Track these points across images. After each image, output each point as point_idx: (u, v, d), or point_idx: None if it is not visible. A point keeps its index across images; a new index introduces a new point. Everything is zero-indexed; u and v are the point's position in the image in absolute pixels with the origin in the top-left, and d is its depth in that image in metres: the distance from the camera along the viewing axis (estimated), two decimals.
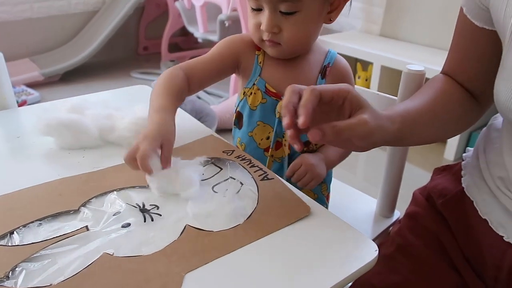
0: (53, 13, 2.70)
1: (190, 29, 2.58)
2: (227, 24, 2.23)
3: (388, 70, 2.07)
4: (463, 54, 0.60)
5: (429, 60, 1.86)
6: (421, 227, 0.63)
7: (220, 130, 1.94)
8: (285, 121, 0.44)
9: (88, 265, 0.40)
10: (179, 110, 0.79)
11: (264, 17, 0.61)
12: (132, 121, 0.63)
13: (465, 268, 0.57)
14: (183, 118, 0.76)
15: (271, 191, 0.53)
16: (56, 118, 0.62)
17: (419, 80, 0.73)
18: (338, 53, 0.72)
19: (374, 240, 0.80)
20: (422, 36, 2.20)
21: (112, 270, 0.40)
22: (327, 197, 0.79)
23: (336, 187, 0.73)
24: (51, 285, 0.38)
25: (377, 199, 0.87)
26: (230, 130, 2.20)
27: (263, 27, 0.62)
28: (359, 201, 0.90)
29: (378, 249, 0.45)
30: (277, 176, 0.56)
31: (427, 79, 0.75)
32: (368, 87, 2.18)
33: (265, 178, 0.55)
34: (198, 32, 2.49)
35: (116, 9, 2.73)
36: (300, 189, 0.57)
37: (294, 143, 0.46)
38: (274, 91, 0.68)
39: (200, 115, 1.82)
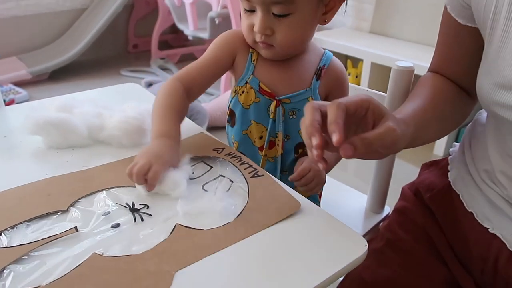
0: (41, 10, 2.66)
1: (180, 26, 2.57)
2: (217, 22, 2.22)
3: (378, 67, 2.08)
4: (449, 51, 0.62)
5: (418, 57, 1.87)
6: (410, 222, 0.64)
7: (211, 128, 1.93)
8: (315, 141, 0.43)
9: (78, 266, 0.40)
10: None
11: (257, 19, 0.60)
12: (122, 120, 0.63)
13: (453, 262, 0.58)
14: None
15: (261, 188, 0.53)
16: (44, 117, 0.62)
17: (408, 76, 0.73)
18: (329, 51, 0.72)
19: (364, 235, 0.81)
20: (411, 33, 2.21)
21: (102, 270, 0.40)
22: (320, 195, 0.79)
23: (327, 183, 0.73)
24: (39, 286, 0.38)
25: (367, 195, 0.87)
26: (222, 127, 2.18)
27: (255, 29, 0.61)
28: (349, 197, 0.91)
29: (367, 244, 0.45)
30: (267, 172, 0.56)
31: (416, 76, 0.76)
32: (359, 84, 2.19)
33: (255, 175, 0.55)
34: (188, 29, 2.48)
35: (105, 6, 2.70)
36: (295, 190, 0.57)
37: (320, 162, 0.44)
38: (269, 90, 0.67)
39: (191, 113, 1.82)
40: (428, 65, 0.66)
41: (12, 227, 0.45)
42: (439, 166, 0.67)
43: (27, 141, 0.65)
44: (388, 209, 0.87)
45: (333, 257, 0.44)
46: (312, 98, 0.68)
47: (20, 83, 2.37)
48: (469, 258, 0.57)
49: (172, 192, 0.51)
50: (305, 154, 0.72)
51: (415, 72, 0.74)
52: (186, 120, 0.74)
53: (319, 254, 0.44)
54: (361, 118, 0.47)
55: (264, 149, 0.70)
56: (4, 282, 0.38)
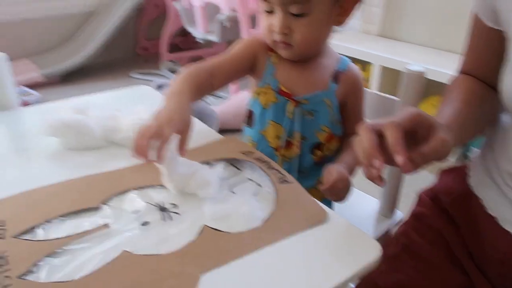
0: (52, 13, 2.70)
1: (190, 29, 2.58)
2: (226, 24, 2.23)
3: (387, 70, 2.08)
4: (479, 53, 0.63)
5: (428, 60, 1.86)
6: (426, 226, 0.63)
7: (221, 131, 1.94)
8: (377, 163, 0.44)
9: (108, 262, 0.41)
10: None
11: (276, 19, 0.63)
12: (136, 122, 0.64)
13: (471, 267, 0.58)
14: None
15: (289, 195, 0.53)
16: (60, 119, 0.63)
17: (419, 80, 0.73)
18: (339, 54, 0.73)
19: (376, 240, 0.80)
20: (421, 36, 2.20)
21: (130, 268, 0.41)
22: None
23: None
24: (72, 280, 0.39)
25: (378, 199, 0.87)
26: (231, 130, 2.19)
27: (275, 28, 0.64)
28: (361, 201, 0.91)
29: (381, 249, 0.45)
30: (296, 180, 0.56)
31: (426, 79, 0.76)
32: (367, 87, 2.18)
33: (284, 181, 0.55)
34: (198, 32, 2.49)
35: (115, 9, 2.73)
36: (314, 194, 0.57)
37: (378, 181, 0.45)
38: (287, 91, 0.69)
39: (201, 115, 1.83)
40: (439, 69, 0.67)
41: (49, 221, 0.47)
42: (459, 172, 0.67)
43: (42, 142, 0.66)
44: (399, 214, 0.87)
45: (347, 261, 0.44)
46: (329, 100, 0.69)
47: (33, 85, 2.40)
48: (488, 263, 0.57)
49: (201, 191, 0.51)
50: (323, 156, 0.73)
51: (426, 76, 0.74)
52: (198, 122, 0.75)
53: (333, 258, 0.44)
54: (413, 131, 0.47)
55: (281, 149, 0.71)
56: (40, 273, 0.40)
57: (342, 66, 0.71)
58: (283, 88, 0.69)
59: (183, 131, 0.55)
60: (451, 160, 1.85)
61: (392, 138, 0.43)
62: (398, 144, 0.43)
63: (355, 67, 0.73)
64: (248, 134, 0.75)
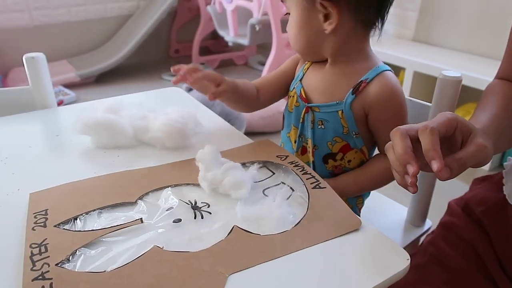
0: (90, 16, 2.80)
1: (221, 32, 2.61)
2: (257, 28, 2.24)
3: (420, 76, 2.02)
4: None
5: (465, 66, 1.81)
6: (456, 236, 0.61)
7: (248, 133, 1.95)
8: (411, 169, 0.42)
9: (139, 256, 0.42)
10: (209, 112, 0.80)
11: None
12: (165, 123, 0.65)
13: (503, 279, 0.56)
14: (213, 121, 0.77)
15: (322, 200, 0.52)
16: (94, 118, 0.65)
17: (455, 86, 0.71)
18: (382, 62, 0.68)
19: (403, 249, 0.78)
20: (457, 42, 2.14)
21: (161, 263, 0.41)
22: (360, 209, 0.78)
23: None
24: (105, 271, 0.40)
25: (407, 207, 0.85)
26: (259, 133, 2.19)
27: None
28: (389, 209, 0.89)
29: (410, 258, 0.44)
30: (329, 185, 0.55)
31: (463, 86, 0.73)
32: None
33: (317, 187, 0.54)
34: (229, 35, 2.52)
35: (149, 13, 2.80)
36: None
37: (413, 188, 0.43)
38: (305, 96, 0.69)
39: (229, 117, 1.84)
40: (474, 75, 0.65)
41: (87, 213, 0.49)
42: (493, 181, 0.64)
43: (77, 140, 0.68)
44: (429, 223, 0.84)
45: (375, 270, 0.43)
46: (342, 112, 0.65)
47: (69, 85, 2.49)
48: None
49: (234, 192, 0.52)
50: (338, 166, 0.70)
51: (463, 83, 0.72)
52: (226, 124, 0.76)
53: (361, 266, 0.43)
54: (450, 137, 0.45)
55: (295, 153, 0.72)
56: (76, 262, 0.41)
57: (370, 76, 0.64)
58: (303, 93, 0.70)
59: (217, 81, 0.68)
60: (484, 169, 1.78)
61: (428, 143, 0.41)
62: (434, 150, 0.41)
63: (389, 78, 0.64)
64: (282, 135, 0.78)
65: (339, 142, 0.68)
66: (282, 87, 0.76)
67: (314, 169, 0.70)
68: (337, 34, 0.63)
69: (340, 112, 0.65)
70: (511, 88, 0.60)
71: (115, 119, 0.65)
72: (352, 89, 0.64)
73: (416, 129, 0.43)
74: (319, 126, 0.68)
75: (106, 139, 0.65)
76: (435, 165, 0.41)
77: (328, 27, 0.62)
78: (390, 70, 0.66)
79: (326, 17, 0.61)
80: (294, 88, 0.72)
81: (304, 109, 0.69)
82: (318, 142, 0.69)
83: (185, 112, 0.69)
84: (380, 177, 0.67)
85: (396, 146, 0.43)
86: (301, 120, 0.69)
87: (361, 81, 0.64)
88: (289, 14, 0.66)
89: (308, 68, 0.71)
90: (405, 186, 0.44)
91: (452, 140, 0.45)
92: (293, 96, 0.71)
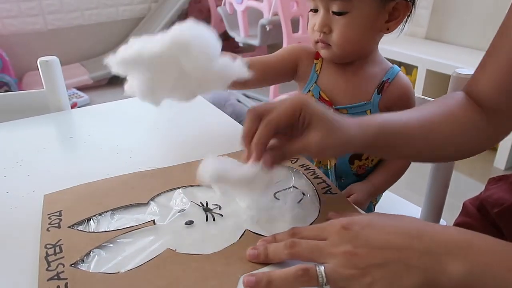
0: (102, 19, 2.84)
1: (232, 33, 2.62)
2: (268, 29, 2.25)
3: (433, 74, 2.00)
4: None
5: (477, 64, 1.78)
6: None
7: None
8: (244, 154, 0.46)
9: (152, 258, 0.42)
10: (220, 113, 0.81)
11: (318, 17, 0.63)
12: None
13: None
14: (224, 122, 0.77)
15: (333, 206, 0.51)
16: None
17: None
18: (391, 63, 0.70)
19: None
20: (470, 39, 2.11)
21: (173, 265, 0.42)
22: (374, 206, 0.78)
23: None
24: (118, 272, 0.41)
25: (421, 207, 0.84)
26: None
27: (315, 27, 0.63)
28: (403, 209, 0.88)
29: None
30: (340, 192, 0.55)
31: None
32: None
33: (328, 192, 0.54)
34: (239, 36, 2.52)
35: (161, 15, 2.83)
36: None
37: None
38: (327, 99, 0.68)
39: (240, 118, 1.84)
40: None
41: (100, 214, 0.49)
42: (509, 181, 0.62)
43: (90, 142, 0.69)
44: (443, 224, 0.83)
45: None
46: (370, 112, 0.66)
47: (82, 88, 2.53)
48: None
49: (241, 201, 0.51)
50: (362, 166, 0.70)
51: None
52: (237, 124, 0.76)
53: None
54: (296, 123, 0.45)
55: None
56: (90, 263, 0.42)
57: (390, 76, 0.67)
58: (323, 96, 0.68)
59: None
60: (500, 168, 1.75)
61: (257, 136, 0.44)
62: (257, 144, 0.44)
63: (404, 78, 0.69)
64: None
65: None
66: (272, 72, 0.71)
67: (335, 170, 0.70)
68: (378, 35, 0.65)
69: (368, 112, 0.66)
70: (463, 104, 0.55)
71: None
72: (377, 89, 0.66)
73: (263, 116, 0.45)
74: None
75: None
76: (251, 158, 0.45)
77: (392, 27, 0.63)
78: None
79: (390, 16, 0.62)
80: (309, 90, 0.69)
81: None
82: None
83: None
84: (401, 172, 0.72)
85: (244, 125, 0.46)
86: None
87: (383, 81, 0.67)
88: (339, 14, 0.60)
89: (320, 69, 0.69)
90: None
91: (296, 124, 0.45)
92: None
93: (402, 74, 0.69)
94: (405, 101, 0.68)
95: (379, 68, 0.68)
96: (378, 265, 0.35)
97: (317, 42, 0.65)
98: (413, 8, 0.63)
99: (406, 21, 0.64)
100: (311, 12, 0.65)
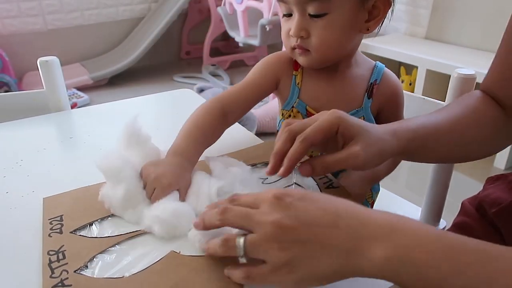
0: (102, 20, 2.84)
1: (232, 33, 2.62)
2: (268, 28, 2.24)
3: (433, 74, 2.00)
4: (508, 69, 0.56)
5: (479, 64, 1.78)
6: (469, 237, 0.60)
7: (259, 134, 1.95)
8: (268, 169, 0.46)
9: (157, 261, 0.42)
10: None
11: (293, 22, 0.58)
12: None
13: None
14: None
15: None
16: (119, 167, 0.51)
17: (469, 84, 0.70)
18: (381, 57, 0.69)
19: None
20: (471, 39, 2.10)
21: (179, 267, 0.41)
22: (372, 204, 0.77)
23: (381, 193, 0.71)
24: (123, 277, 0.40)
25: (421, 207, 0.84)
26: (270, 133, 2.18)
27: (291, 32, 0.58)
28: (402, 209, 0.88)
29: None
30: (342, 185, 0.55)
31: (477, 84, 0.72)
32: (412, 91, 2.11)
33: (330, 186, 0.54)
34: (239, 36, 2.52)
35: (160, 15, 2.83)
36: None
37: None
38: (315, 112, 0.63)
39: (240, 119, 1.84)
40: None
41: (102, 219, 0.49)
42: (507, 180, 0.62)
43: (90, 142, 0.69)
44: (443, 223, 0.83)
45: None
46: (364, 118, 0.63)
47: (82, 88, 2.53)
48: None
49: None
50: None
51: (477, 80, 0.70)
52: (237, 125, 0.76)
53: None
54: (332, 138, 0.46)
55: None
56: (94, 269, 0.41)
57: (377, 76, 0.64)
58: (311, 111, 0.63)
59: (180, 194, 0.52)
60: (499, 168, 1.75)
61: (291, 152, 0.45)
62: (290, 160, 0.45)
63: (391, 75, 0.65)
64: None
65: None
66: (253, 101, 0.65)
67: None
68: (358, 36, 0.61)
69: (362, 119, 0.64)
70: (483, 103, 0.56)
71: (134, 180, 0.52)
72: (366, 93, 0.63)
73: (297, 134, 0.46)
74: None
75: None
76: (280, 170, 0.45)
77: (373, 26, 0.59)
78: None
79: (369, 16, 0.58)
80: (293, 107, 0.64)
81: None
82: None
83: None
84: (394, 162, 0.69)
85: (277, 142, 0.47)
86: None
87: (371, 83, 0.64)
88: (316, 16, 0.57)
89: (301, 81, 0.64)
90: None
91: (334, 140, 0.47)
92: (294, 116, 0.64)
93: (388, 71, 0.66)
94: (396, 99, 0.66)
95: (363, 69, 0.64)
96: (299, 241, 0.35)
97: (293, 48, 0.60)
98: (393, 5, 0.59)
99: (386, 18, 0.60)
100: (284, 18, 0.61)
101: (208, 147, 0.60)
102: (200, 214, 0.43)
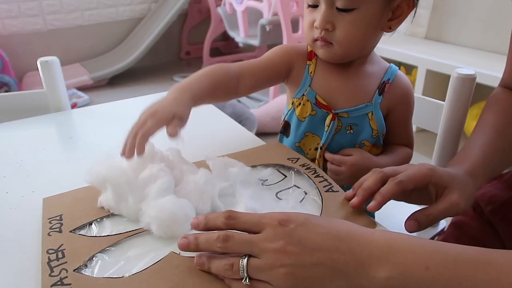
0: (102, 20, 2.84)
1: (231, 33, 2.62)
2: (268, 29, 2.24)
3: (433, 74, 2.00)
4: None
5: (479, 64, 1.78)
6: (467, 236, 0.60)
7: (259, 134, 1.95)
8: (354, 200, 0.49)
9: (156, 262, 0.42)
10: (220, 113, 0.81)
11: (319, 13, 0.58)
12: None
13: None
14: (224, 122, 0.77)
15: (335, 204, 0.51)
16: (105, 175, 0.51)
17: (469, 84, 0.70)
18: (381, 57, 0.69)
19: None
20: (471, 39, 2.10)
21: (178, 268, 0.41)
22: None
23: None
24: (122, 277, 0.40)
25: (421, 207, 0.84)
26: (270, 134, 2.18)
27: (316, 23, 0.59)
28: (403, 209, 0.87)
29: None
30: (342, 189, 0.54)
31: (477, 84, 0.72)
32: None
33: (330, 190, 0.54)
34: (239, 36, 2.52)
35: (160, 15, 2.83)
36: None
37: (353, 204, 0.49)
38: (325, 103, 0.65)
39: (240, 118, 1.85)
40: (491, 73, 0.63)
41: (102, 218, 0.49)
42: (503, 179, 0.63)
43: (90, 142, 0.69)
44: (443, 223, 0.83)
45: None
46: (372, 114, 0.65)
47: (82, 88, 2.53)
48: None
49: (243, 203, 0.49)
50: None
51: (477, 81, 0.71)
52: (236, 124, 0.76)
53: None
54: (422, 188, 0.48)
55: (317, 160, 0.68)
56: (93, 269, 0.41)
57: (391, 76, 0.66)
58: (320, 100, 0.65)
59: (170, 124, 0.52)
60: None
61: (385, 190, 0.47)
62: (383, 197, 0.47)
63: (404, 77, 0.67)
64: (285, 144, 0.71)
65: (367, 145, 0.66)
66: (268, 79, 0.67)
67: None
68: (379, 33, 0.63)
69: (370, 114, 0.65)
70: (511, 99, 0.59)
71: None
72: (377, 89, 0.65)
73: (390, 176, 0.48)
74: (348, 131, 0.65)
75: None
76: (371, 203, 0.48)
77: (395, 25, 0.61)
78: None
79: (393, 15, 0.60)
80: (303, 94, 0.66)
81: (330, 116, 0.64)
82: (346, 146, 0.66)
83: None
84: (406, 159, 0.71)
85: (367, 181, 0.50)
86: (326, 129, 0.65)
87: (384, 81, 0.65)
88: (343, 10, 0.57)
89: (314, 71, 0.66)
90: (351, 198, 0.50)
91: (425, 192, 0.49)
92: (304, 104, 0.65)
93: (401, 73, 0.67)
94: (407, 101, 0.67)
95: (378, 68, 0.66)
96: (304, 266, 0.36)
97: (315, 40, 0.61)
98: (416, 7, 0.61)
99: (406, 21, 0.63)
100: (308, 8, 0.61)
101: (213, 100, 0.62)
102: (183, 237, 0.42)
